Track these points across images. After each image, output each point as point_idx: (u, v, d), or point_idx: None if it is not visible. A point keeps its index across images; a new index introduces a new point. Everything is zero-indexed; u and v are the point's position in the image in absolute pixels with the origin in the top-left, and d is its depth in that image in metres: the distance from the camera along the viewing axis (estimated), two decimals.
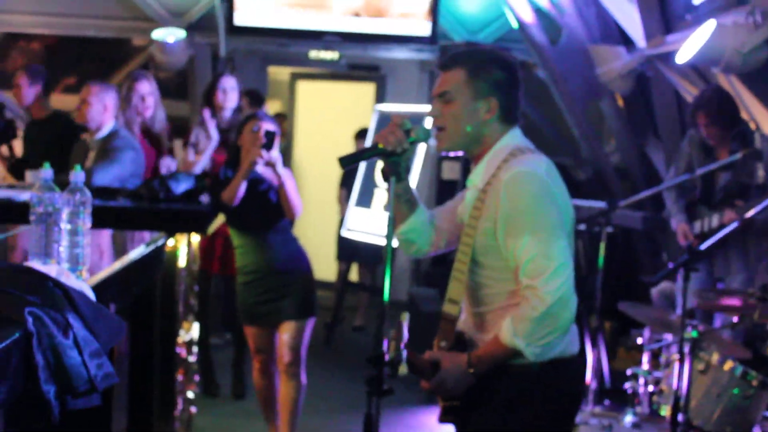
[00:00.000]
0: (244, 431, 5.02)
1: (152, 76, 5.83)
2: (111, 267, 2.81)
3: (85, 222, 2.55)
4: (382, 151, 2.71)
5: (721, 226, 4.93)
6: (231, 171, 4.54)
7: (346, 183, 8.14)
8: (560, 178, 2.69)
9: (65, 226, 2.47)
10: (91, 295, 2.22)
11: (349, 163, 2.76)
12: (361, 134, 8.19)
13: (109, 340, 2.10)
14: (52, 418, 1.96)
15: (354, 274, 8.50)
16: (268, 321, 4.56)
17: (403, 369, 2.57)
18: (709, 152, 5.21)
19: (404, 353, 2.57)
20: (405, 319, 2.61)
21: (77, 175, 2.52)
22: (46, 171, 2.45)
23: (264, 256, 4.52)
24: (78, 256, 2.51)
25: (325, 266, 8.92)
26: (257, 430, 5.12)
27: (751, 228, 4.86)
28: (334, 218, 8.61)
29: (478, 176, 2.73)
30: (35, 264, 2.29)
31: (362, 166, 7.49)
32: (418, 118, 2.84)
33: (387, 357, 2.59)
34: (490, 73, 2.69)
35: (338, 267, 8.40)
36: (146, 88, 5.64)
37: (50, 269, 2.20)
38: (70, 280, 2.18)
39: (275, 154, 4.41)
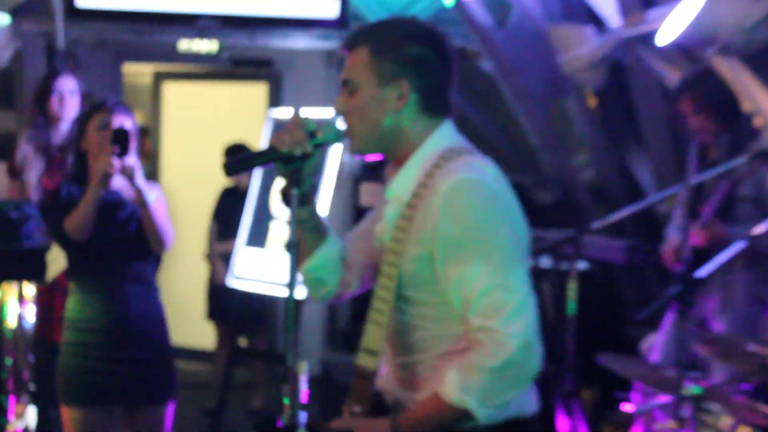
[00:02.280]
0: None
1: None
2: None
3: None
4: (277, 155, 2.76)
5: (695, 251, 5.07)
6: (76, 188, 4.43)
7: (220, 213, 8.18)
8: (509, 187, 2.77)
9: None
10: None
11: (236, 170, 2.89)
12: (233, 151, 8.20)
13: None
14: None
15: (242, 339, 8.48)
16: (111, 401, 4.43)
17: None
18: (703, 154, 5.36)
19: (302, 418, 2.59)
20: (303, 370, 2.64)
21: None
22: None
23: (114, 310, 4.41)
24: None
25: (197, 328, 8.86)
26: None
27: (747, 254, 5.01)
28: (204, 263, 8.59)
29: (401, 185, 2.78)
30: None
31: (253, 192, 7.50)
32: (327, 123, 2.88)
33: (280, 423, 2.61)
34: (399, 49, 2.75)
35: (219, 330, 8.36)
36: None
37: None
38: None
39: (132, 159, 4.30)
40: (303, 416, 2.60)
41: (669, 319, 5.42)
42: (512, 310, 2.57)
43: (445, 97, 2.81)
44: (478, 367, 2.58)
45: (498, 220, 2.65)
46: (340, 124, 2.81)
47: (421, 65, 2.75)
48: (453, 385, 2.60)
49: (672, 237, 5.39)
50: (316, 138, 2.77)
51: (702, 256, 5.05)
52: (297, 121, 2.78)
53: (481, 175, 2.68)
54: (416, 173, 2.75)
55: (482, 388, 2.57)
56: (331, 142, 2.83)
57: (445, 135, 2.79)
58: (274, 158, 2.78)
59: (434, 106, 2.79)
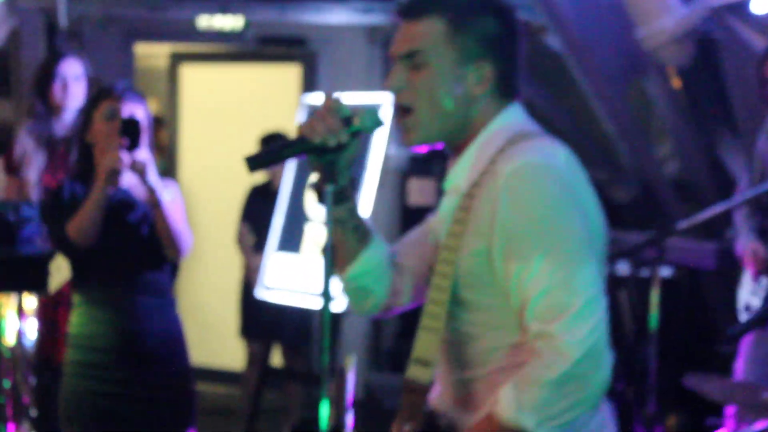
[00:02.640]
0: None
1: None
2: None
3: None
4: (309, 146, 2.76)
5: None
6: (81, 186, 4.48)
7: (250, 215, 8.21)
8: (584, 173, 2.75)
9: None
10: None
11: (261, 165, 2.84)
12: (270, 141, 8.23)
13: None
14: None
15: (276, 358, 8.52)
16: (121, 429, 4.48)
17: None
18: None
19: (348, 421, 2.62)
20: (351, 365, 2.66)
21: None
22: None
23: (124, 326, 4.47)
24: None
25: (223, 346, 8.90)
26: None
27: None
28: (235, 271, 8.65)
29: (460, 174, 2.78)
30: None
31: (285, 189, 7.53)
32: (365, 108, 2.87)
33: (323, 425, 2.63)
34: (480, 24, 2.74)
35: (249, 348, 8.42)
36: None
37: None
38: None
39: (143, 154, 4.36)
40: (349, 419, 2.62)
41: (750, 335, 5.42)
42: (575, 314, 2.53)
43: (517, 76, 2.82)
44: (535, 381, 2.55)
45: (566, 210, 2.63)
46: (384, 109, 2.81)
47: (499, 43, 2.76)
48: (507, 402, 2.57)
49: (748, 241, 5.39)
50: (353, 125, 2.75)
51: None
52: (330, 107, 2.76)
53: (550, 158, 2.66)
54: (477, 160, 2.74)
55: (539, 404, 2.54)
56: (370, 129, 2.79)
57: (513, 118, 2.79)
58: (304, 150, 2.78)
59: (507, 90, 2.80)
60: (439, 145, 2.83)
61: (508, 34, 2.78)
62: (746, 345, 5.45)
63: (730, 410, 4.99)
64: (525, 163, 2.63)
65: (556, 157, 2.68)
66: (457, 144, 2.81)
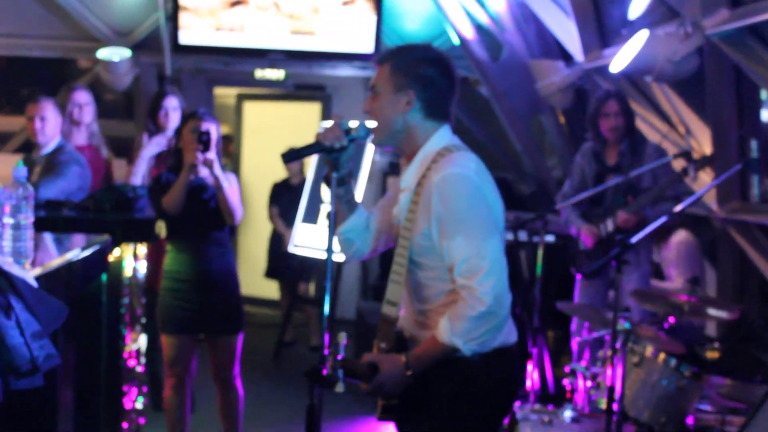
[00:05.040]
0: None
1: (88, 89, 5.93)
2: (52, 263, 2.84)
3: (28, 216, 2.59)
4: (321, 147, 2.82)
5: (617, 229, 5.12)
6: (173, 175, 4.57)
7: (276, 201, 8.39)
8: (488, 175, 2.79)
9: (8, 220, 2.52)
10: (34, 284, 2.27)
11: (291, 159, 2.88)
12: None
13: (50, 322, 2.16)
14: None
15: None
16: (195, 329, 4.58)
17: (339, 388, 2.65)
18: (600, 159, 5.40)
19: (340, 372, 2.66)
20: (342, 339, 2.70)
21: (19, 170, 2.57)
22: None
23: (199, 265, 4.56)
24: (21, 249, 2.56)
25: (267, 282, 8.97)
26: None
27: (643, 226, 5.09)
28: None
29: (410, 177, 2.82)
30: None
31: (307, 183, 7.56)
32: (359, 124, 2.95)
33: (326, 371, 2.67)
34: (412, 67, 2.77)
35: (281, 285, 8.46)
36: (83, 97, 5.73)
37: None
38: (13, 269, 2.23)
39: (212, 155, 4.44)
40: (340, 371, 2.66)
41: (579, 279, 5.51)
42: (485, 272, 2.61)
43: (445, 107, 2.83)
44: (462, 316, 2.63)
45: (476, 204, 2.68)
46: (370, 124, 2.87)
47: (428, 81, 2.77)
48: (444, 330, 2.67)
49: (582, 223, 5.41)
50: (351, 134, 2.83)
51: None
52: (336, 122, 2.84)
53: (464, 169, 2.70)
54: (419, 167, 2.78)
55: (465, 331, 2.63)
56: (363, 137, 2.87)
57: (443, 136, 2.81)
58: (319, 150, 2.84)
59: (435, 113, 2.80)
60: (389, 148, 2.89)
61: (439, 76, 2.78)
62: (578, 286, 5.50)
63: (585, 324, 5.02)
64: (447, 173, 2.69)
65: (468, 167, 2.73)
66: (406, 151, 2.84)
